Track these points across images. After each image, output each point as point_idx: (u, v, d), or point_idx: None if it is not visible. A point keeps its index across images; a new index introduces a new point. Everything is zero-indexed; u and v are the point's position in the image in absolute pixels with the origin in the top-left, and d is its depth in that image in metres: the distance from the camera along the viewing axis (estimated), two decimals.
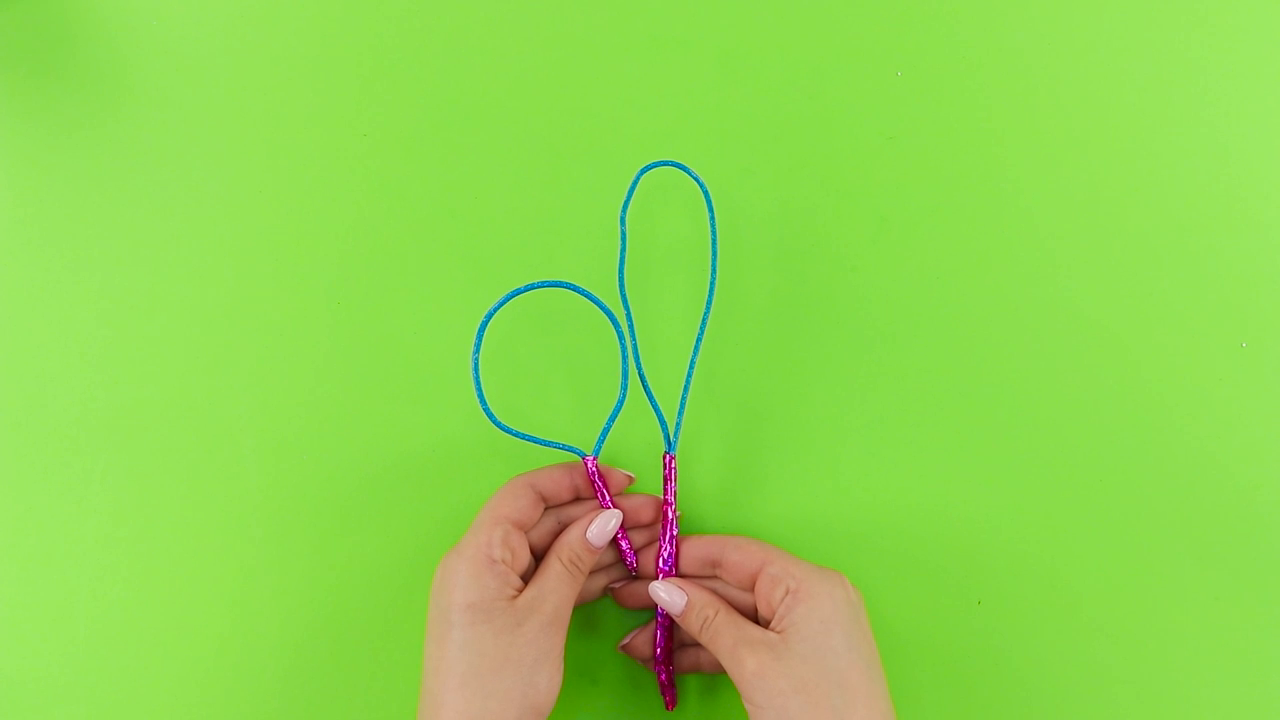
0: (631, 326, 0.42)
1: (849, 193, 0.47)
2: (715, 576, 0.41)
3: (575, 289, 0.40)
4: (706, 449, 0.45)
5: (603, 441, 0.42)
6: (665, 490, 0.42)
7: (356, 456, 0.45)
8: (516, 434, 0.40)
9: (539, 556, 0.42)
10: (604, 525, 0.40)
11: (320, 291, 0.46)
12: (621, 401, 0.41)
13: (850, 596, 0.38)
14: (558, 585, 0.39)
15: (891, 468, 0.45)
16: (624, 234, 0.42)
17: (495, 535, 0.38)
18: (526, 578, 0.40)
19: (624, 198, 0.43)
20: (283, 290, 0.47)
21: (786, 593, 0.38)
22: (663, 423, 0.42)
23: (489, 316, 0.39)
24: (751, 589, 0.39)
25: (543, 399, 0.45)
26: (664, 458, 0.42)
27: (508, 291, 0.40)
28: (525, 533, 0.40)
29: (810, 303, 0.46)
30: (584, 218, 0.47)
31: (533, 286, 0.40)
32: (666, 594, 0.40)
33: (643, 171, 0.43)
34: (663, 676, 0.42)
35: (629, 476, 0.42)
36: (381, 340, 0.46)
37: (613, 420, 0.41)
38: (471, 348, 0.39)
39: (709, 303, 0.43)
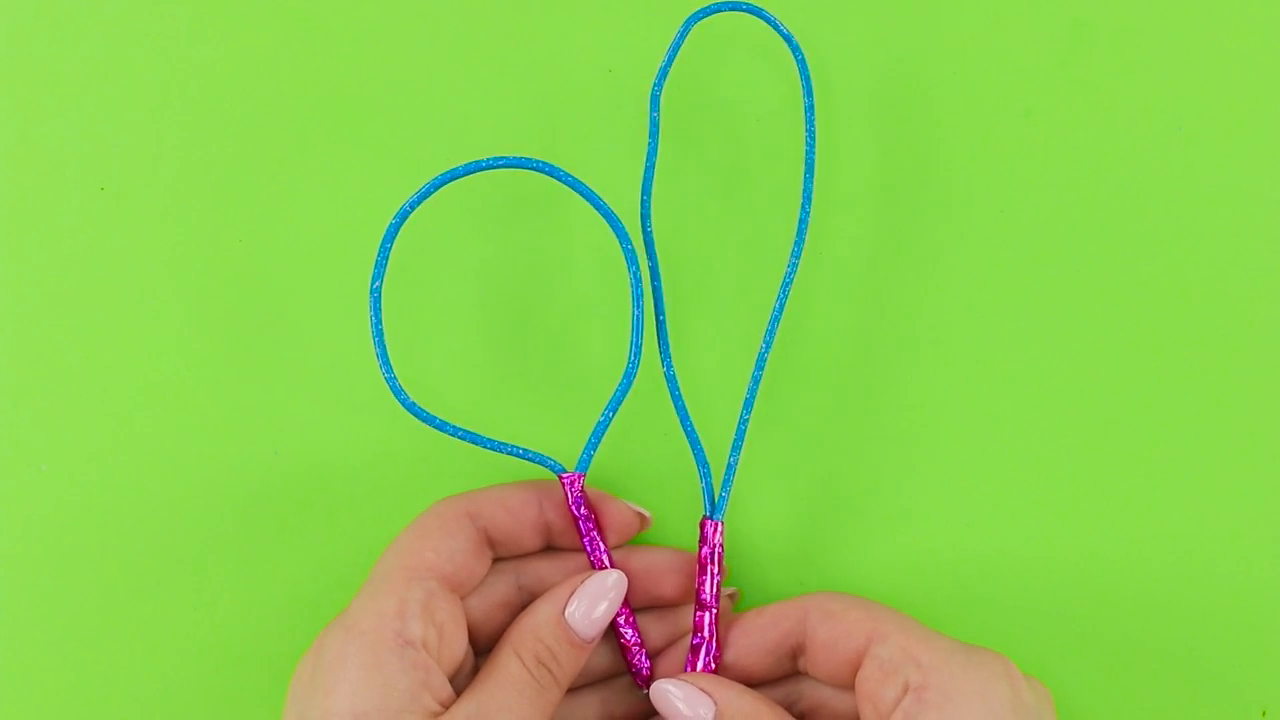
0: (655, 269, 0.37)
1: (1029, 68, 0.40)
2: (797, 673, 0.36)
3: (559, 174, 0.35)
4: (768, 481, 0.40)
5: (594, 449, 0.35)
6: (704, 559, 0.36)
7: (227, 476, 0.40)
8: (449, 429, 0.35)
9: (482, 644, 0.36)
10: (596, 598, 0.34)
11: (208, 229, 0.40)
12: (629, 380, 0.35)
13: (1022, 696, 0.32)
14: (514, 701, 0.33)
15: (1072, 499, 0.40)
16: (655, 124, 0.37)
17: (411, 599, 0.33)
18: (461, 680, 0.34)
19: (659, 67, 0.37)
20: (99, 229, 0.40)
21: (906, 690, 0.32)
22: (701, 461, 0.36)
23: (401, 218, 0.34)
24: (852, 685, 0.34)
25: (508, 391, 0.40)
26: (702, 524, 0.36)
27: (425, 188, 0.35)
28: (461, 598, 0.34)
29: (936, 248, 0.40)
30: (585, 98, 0.40)
31: (480, 167, 0.34)
32: (685, 704, 0.33)
33: (690, 22, 0.37)
34: None
35: (639, 514, 0.37)
36: (259, 309, 0.40)
37: (613, 412, 0.35)
38: (372, 276, 0.34)
39: (797, 251, 0.37)
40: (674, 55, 0.37)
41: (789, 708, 0.35)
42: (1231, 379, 0.40)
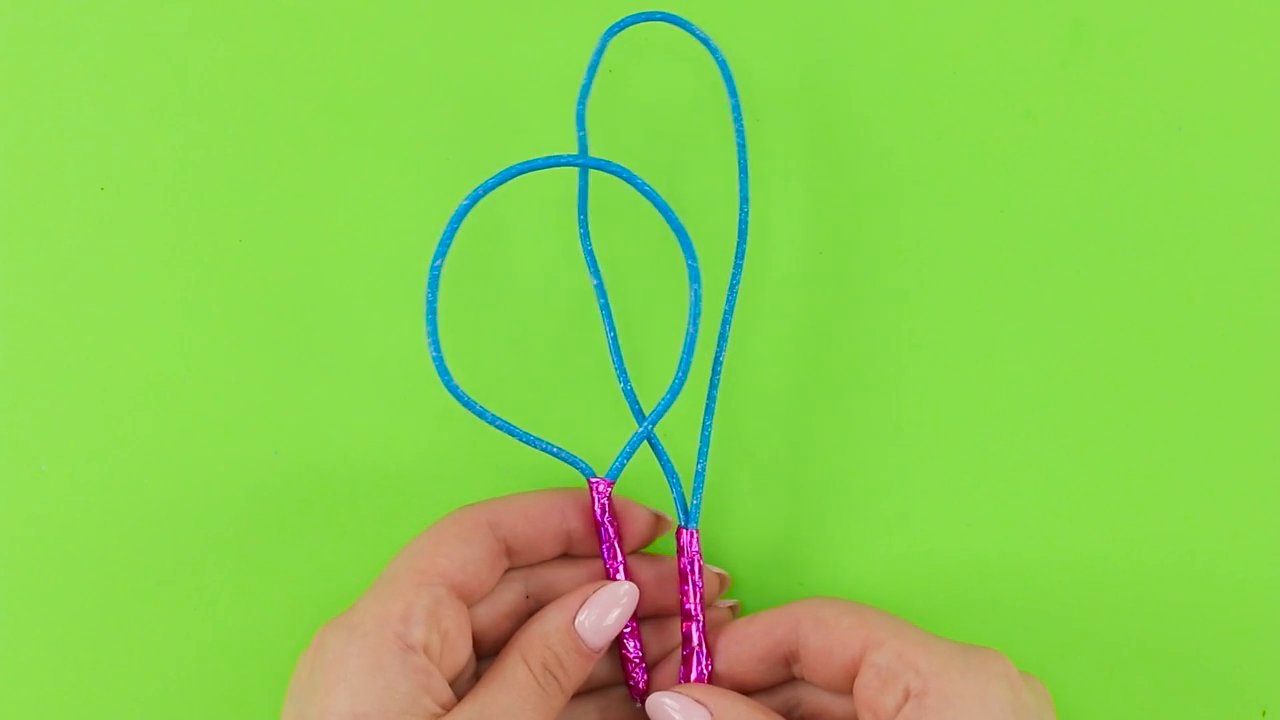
0: (601, 285, 0.37)
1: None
2: (793, 679, 0.35)
3: (636, 181, 0.34)
4: (762, 486, 0.40)
5: (627, 459, 0.35)
6: (684, 568, 0.36)
7: (227, 476, 0.39)
8: (489, 417, 0.35)
9: (485, 649, 0.35)
10: (607, 608, 0.34)
11: (208, 229, 0.40)
12: (680, 383, 0.34)
13: (1021, 698, 0.32)
14: (518, 706, 0.32)
15: (1071, 499, 0.39)
16: (584, 140, 0.37)
17: (417, 604, 0.32)
18: (461, 685, 0.34)
19: (581, 81, 0.38)
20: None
21: (906, 696, 0.32)
22: (669, 471, 0.36)
23: (473, 200, 0.33)
24: (849, 690, 0.33)
25: (512, 392, 0.40)
26: (678, 534, 0.35)
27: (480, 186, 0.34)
28: (470, 606, 0.34)
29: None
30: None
31: (558, 162, 0.33)
32: (682, 716, 0.33)
33: (609, 35, 0.37)
34: None
35: (659, 516, 0.36)
36: (259, 309, 0.40)
37: (653, 423, 0.35)
38: (427, 279, 0.34)
39: (738, 265, 0.37)
40: (594, 71, 0.37)
41: (787, 714, 0.35)
42: (1231, 379, 0.40)
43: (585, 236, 0.37)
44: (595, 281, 0.36)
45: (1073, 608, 0.39)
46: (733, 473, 0.39)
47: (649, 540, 0.36)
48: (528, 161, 0.33)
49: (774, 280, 0.40)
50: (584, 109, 0.37)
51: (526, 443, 0.34)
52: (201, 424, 0.39)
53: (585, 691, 0.36)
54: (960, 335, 0.40)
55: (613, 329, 0.36)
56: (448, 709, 0.32)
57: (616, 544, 0.35)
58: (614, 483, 0.35)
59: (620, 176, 0.33)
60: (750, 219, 0.39)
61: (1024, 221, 0.40)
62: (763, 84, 0.40)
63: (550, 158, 0.33)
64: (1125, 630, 0.39)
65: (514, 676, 0.33)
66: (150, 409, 0.39)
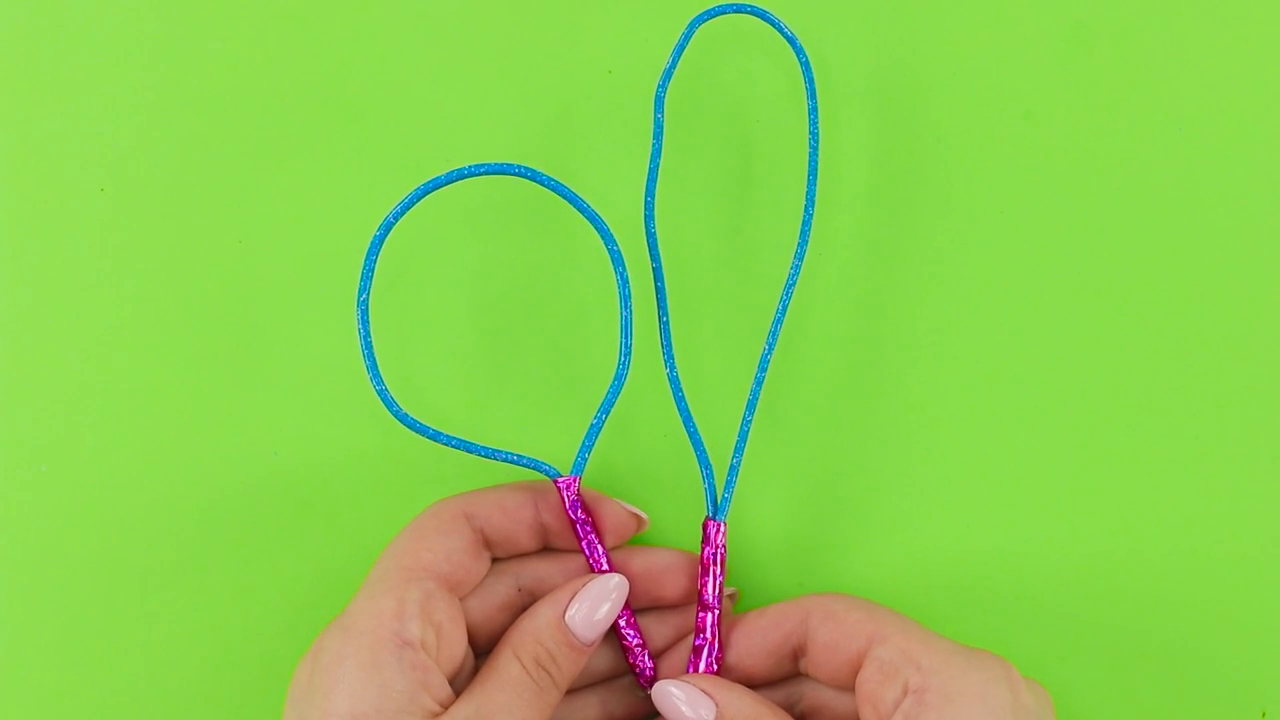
0: (659, 270, 0.36)
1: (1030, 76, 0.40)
2: (798, 674, 0.35)
3: (541, 179, 0.34)
4: (769, 481, 0.40)
5: (588, 452, 0.35)
6: (706, 560, 0.36)
7: (227, 476, 0.39)
8: (442, 438, 0.35)
9: (482, 645, 0.35)
10: (597, 602, 0.34)
11: (208, 230, 0.40)
12: (620, 381, 0.35)
13: (1021, 699, 0.32)
14: (513, 703, 0.32)
15: (1072, 499, 0.39)
16: (659, 125, 0.37)
17: (408, 599, 0.32)
18: (460, 681, 0.34)
19: (663, 69, 0.37)
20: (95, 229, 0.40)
21: (905, 692, 0.32)
22: (704, 462, 0.36)
23: (385, 230, 0.34)
24: (852, 686, 0.34)
25: (510, 393, 0.40)
26: (705, 525, 0.35)
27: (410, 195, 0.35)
28: (460, 598, 0.34)
29: (936, 249, 0.40)
30: (585, 99, 0.40)
31: (461, 175, 0.34)
32: (688, 705, 0.33)
33: (695, 24, 0.37)
34: None
35: (635, 515, 0.36)
36: (259, 310, 0.40)
37: (605, 414, 0.35)
38: (358, 289, 0.35)
39: (800, 254, 0.37)
40: (678, 57, 0.36)
41: (790, 709, 0.35)
42: (1231, 379, 0.39)
43: (650, 219, 0.37)
44: (655, 265, 0.37)
45: (1074, 607, 0.39)
46: (745, 468, 0.39)
47: (626, 537, 0.37)
48: (432, 180, 0.34)
49: (778, 282, 0.40)
50: (664, 93, 0.37)
51: (486, 456, 0.35)
52: (201, 424, 0.39)
53: (587, 684, 0.36)
54: (963, 335, 0.40)
55: (665, 313, 0.37)
56: (446, 706, 0.32)
57: (595, 539, 0.35)
58: (579, 478, 0.35)
59: (524, 176, 0.35)
60: (748, 222, 0.39)
61: (1024, 223, 0.39)
62: (834, 86, 0.41)
63: (454, 172, 0.34)
64: (1125, 630, 0.39)
65: (507, 673, 0.33)
66: (150, 409, 0.39)
